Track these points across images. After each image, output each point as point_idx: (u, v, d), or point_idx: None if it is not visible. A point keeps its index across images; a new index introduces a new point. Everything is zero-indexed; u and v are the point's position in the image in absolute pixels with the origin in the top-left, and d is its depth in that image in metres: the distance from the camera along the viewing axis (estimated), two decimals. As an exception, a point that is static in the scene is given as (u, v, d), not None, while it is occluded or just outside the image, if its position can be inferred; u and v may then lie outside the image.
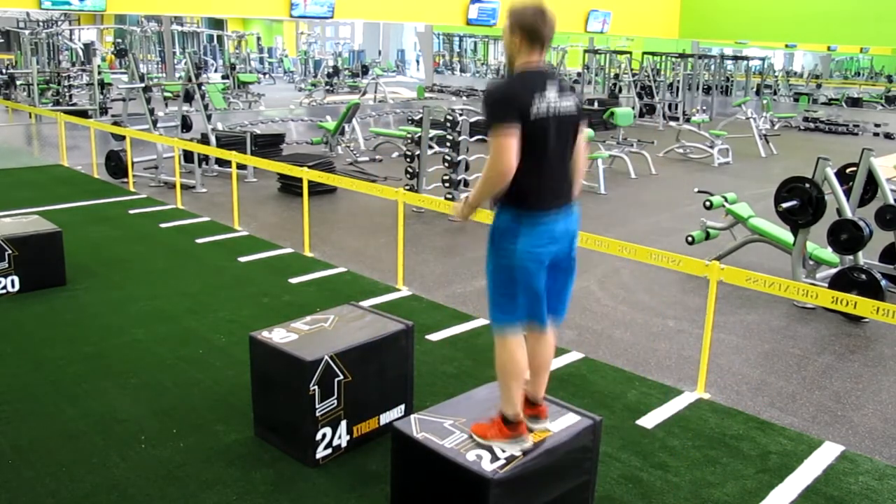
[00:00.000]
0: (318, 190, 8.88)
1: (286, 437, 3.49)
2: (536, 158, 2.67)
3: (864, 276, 5.54)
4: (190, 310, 5.29)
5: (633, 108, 17.96)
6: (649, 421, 3.92)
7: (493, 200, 2.75)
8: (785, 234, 6.30)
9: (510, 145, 2.58)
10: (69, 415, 3.80)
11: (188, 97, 10.16)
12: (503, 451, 2.77)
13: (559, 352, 4.76)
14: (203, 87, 10.58)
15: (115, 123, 11.19)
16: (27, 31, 20.00)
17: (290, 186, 9.20)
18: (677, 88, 20.83)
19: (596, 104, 17.48)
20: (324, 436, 3.38)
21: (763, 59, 24.57)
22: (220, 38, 29.49)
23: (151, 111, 9.66)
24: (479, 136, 8.70)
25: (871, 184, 6.26)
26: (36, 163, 11.30)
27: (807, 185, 5.91)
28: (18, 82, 17.72)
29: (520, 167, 2.63)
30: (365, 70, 27.18)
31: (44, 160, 11.48)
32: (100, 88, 15.15)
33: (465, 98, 21.67)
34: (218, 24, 31.84)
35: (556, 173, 2.77)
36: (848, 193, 6.15)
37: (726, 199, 6.86)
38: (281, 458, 3.45)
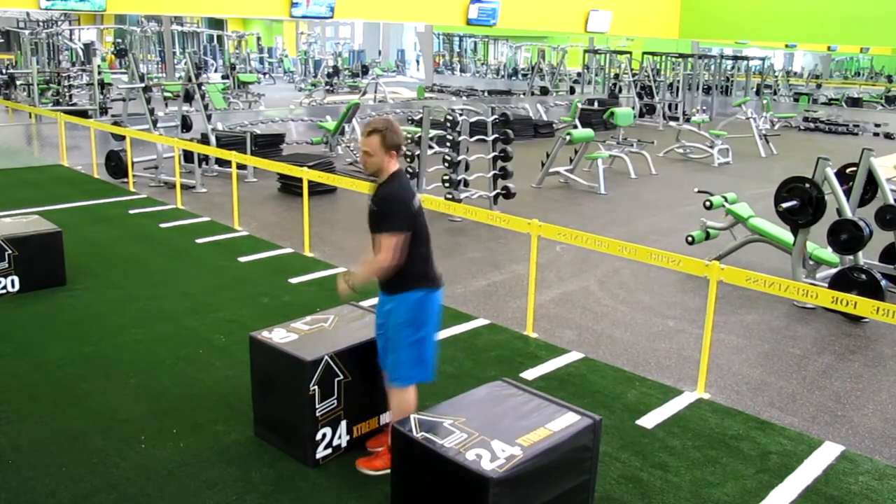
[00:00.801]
0: (318, 190, 8.88)
1: (286, 437, 3.49)
2: (422, 243, 3.23)
3: (864, 276, 5.54)
4: (190, 310, 5.29)
5: (633, 108, 17.97)
6: (649, 421, 3.92)
7: (392, 287, 3.22)
8: (785, 234, 6.30)
9: (401, 244, 3.10)
10: (69, 415, 3.80)
11: (188, 97, 10.16)
12: (503, 451, 2.78)
13: (559, 351, 4.77)
14: (203, 87, 10.58)
15: (115, 123, 11.18)
16: (27, 31, 20.00)
17: (290, 186, 9.20)
18: (677, 88, 20.83)
19: (596, 104, 17.49)
20: (324, 436, 3.38)
21: (763, 59, 24.57)
22: (220, 38, 29.47)
23: (151, 111, 9.66)
24: (479, 136, 8.70)
25: (871, 184, 6.26)
26: (36, 163, 11.30)
27: (807, 185, 5.91)
28: (18, 82, 17.71)
29: (414, 253, 3.15)
30: (365, 70, 27.17)
31: (44, 160, 11.48)
32: (100, 88, 15.14)
33: (465, 98, 21.68)
34: (218, 24, 31.83)
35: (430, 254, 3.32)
36: (848, 193, 6.15)
37: (726, 199, 6.86)
38: (281, 458, 3.45)
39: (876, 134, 18.07)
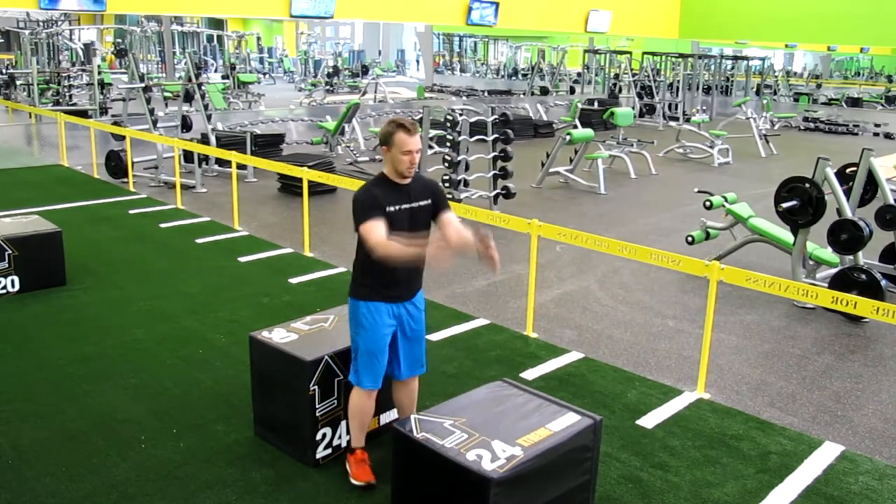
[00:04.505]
0: (318, 190, 8.88)
1: (286, 437, 3.49)
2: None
3: (864, 276, 5.54)
4: (190, 310, 5.29)
5: (633, 108, 17.97)
6: (649, 421, 3.92)
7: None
8: (785, 234, 6.30)
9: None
10: (69, 415, 3.80)
11: (188, 97, 10.16)
12: (504, 451, 2.78)
13: (560, 351, 4.77)
14: (203, 87, 10.58)
15: (115, 123, 11.18)
16: (27, 31, 19.99)
17: (290, 186, 9.20)
18: (677, 88, 20.83)
19: (596, 104, 17.49)
20: (324, 436, 3.38)
21: (763, 59, 24.58)
22: (220, 38, 29.47)
23: (151, 111, 9.66)
24: (479, 136, 8.70)
25: (871, 184, 6.26)
26: (36, 163, 11.30)
27: (807, 185, 5.91)
28: (18, 82, 17.71)
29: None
30: (365, 70, 27.19)
31: (44, 160, 11.48)
32: (100, 88, 15.14)
33: (465, 98, 21.68)
34: (218, 24, 31.83)
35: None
36: (848, 193, 6.14)
37: (726, 199, 6.86)
38: (281, 458, 3.45)
39: (876, 134, 18.07)
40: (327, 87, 23.48)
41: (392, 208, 3.08)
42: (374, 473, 3.27)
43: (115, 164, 9.87)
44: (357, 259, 3.19)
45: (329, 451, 3.42)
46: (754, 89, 23.54)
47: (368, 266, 3.09)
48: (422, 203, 3.20)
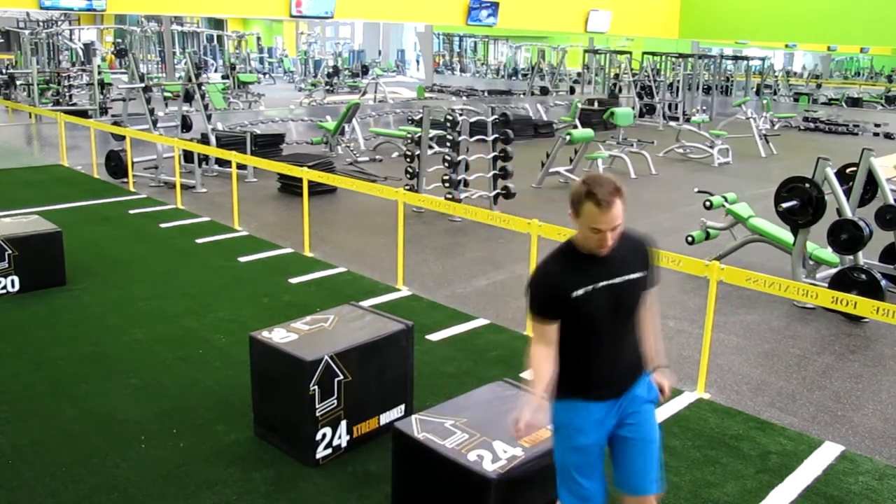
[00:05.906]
0: (318, 190, 8.88)
1: (286, 437, 3.49)
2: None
3: (864, 276, 5.54)
4: (190, 310, 5.29)
5: (633, 108, 17.97)
6: (649, 421, 3.91)
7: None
8: (785, 234, 6.30)
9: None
10: (69, 415, 3.80)
11: (188, 97, 10.16)
12: (504, 452, 2.78)
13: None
14: (203, 87, 10.57)
15: (115, 123, 11.18)
16: (27, 31, 19.99)
17: (290, 186, 9.20)
18: (677, 88, 20.82)
19: (596, 104, 17.49)
20: (324, 436, 3.38)
21: (763, 59, 24.58)
22: (220, 38, 29.47)
23: (151, 111, 9.66)
24: (479, 136, 8.70)
25: (871, 184, 6.26)
26: (36, 163, 11.30)
27: (807, 185, 5.91)
28: (18, 82, 17.71)
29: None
30: (365, 70, 27.19)
31: (44, 160, 11.48)
32: (100, 88, 15.14)
33: (465, 98, 21.67)
34: (218, 24, 31.83)
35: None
36: (848, 193, 6.14)
37: (726, 199, 6.86)
38: (281, 458, 3.45)
39: (876, 134, 18.07)
40: (327, 87, 23.47)
41: (580, 291, 2.24)
42: None
43: (115, 164, 9.87)
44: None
45: (329, 451, 3.42)
46: (754, 89, 23.53)
47: (563, 356, 2.30)
48: (630, 277, 2.36)
